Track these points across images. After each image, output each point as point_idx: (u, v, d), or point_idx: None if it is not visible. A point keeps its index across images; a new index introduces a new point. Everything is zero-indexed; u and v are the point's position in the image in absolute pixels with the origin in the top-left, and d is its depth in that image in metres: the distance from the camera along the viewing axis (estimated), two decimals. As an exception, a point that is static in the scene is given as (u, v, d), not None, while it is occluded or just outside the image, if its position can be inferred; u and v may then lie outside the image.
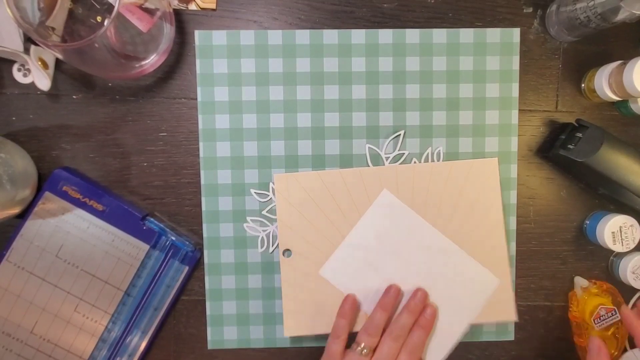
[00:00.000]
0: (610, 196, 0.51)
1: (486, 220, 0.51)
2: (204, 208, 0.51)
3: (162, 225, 0.50)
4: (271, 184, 0.51)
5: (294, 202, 0.50)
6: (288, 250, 0.50)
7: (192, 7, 0.50)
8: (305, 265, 0.50)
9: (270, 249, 0.51)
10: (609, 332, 0.52)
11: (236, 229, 0.51)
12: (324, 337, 0.49)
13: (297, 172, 0.51)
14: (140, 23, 0.43)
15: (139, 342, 0.50)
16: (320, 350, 0.47)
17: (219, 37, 0.50)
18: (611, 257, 0.54)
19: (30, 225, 0.48)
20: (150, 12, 0.44)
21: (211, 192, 0.51)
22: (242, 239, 0.51)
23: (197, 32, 0.50)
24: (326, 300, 0.50)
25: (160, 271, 0.50)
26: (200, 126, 0.50)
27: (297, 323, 0.50)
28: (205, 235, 0.51)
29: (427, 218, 0.50)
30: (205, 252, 0.51)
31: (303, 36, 0.50)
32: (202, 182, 0.51)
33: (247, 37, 0.50)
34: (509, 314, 0.51)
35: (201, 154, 0.51)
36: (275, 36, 0.50)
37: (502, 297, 0.50)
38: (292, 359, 0.53)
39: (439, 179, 0.50)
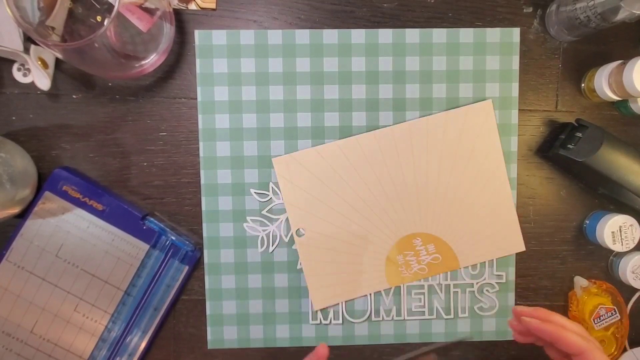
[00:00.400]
0: (610, 196, 0.51)
1: (487, 163, 0.51)
2: (204, 208, 0.51)
3: (162, 225, 0.50)
4: (271, 184, 0.51)
5: (297, 182, 0.50)
6: (299, 229, 0.51)
7: (192, 6, 0.50)
8: (319, 239, 0.51)
9: (270, 249, 0.51)
10: (609, 332, 0.52)
11: (236, 228, 0.51)
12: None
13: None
14: (140, 23, 0.43)
15: (139, 342, 0.50)
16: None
17: (219, 36, 0.50)
18: (611, 257, 0.54)
19: (30, 225, 0.48)
20: (150, 11, 0.44)
21: (211, 191, 0.51)
22: (242, 239, 0.51)
23: (197, 32, 0.50)
24: (343, 268, 0.51)
25: (160, 271, 0.50)
26: (200, 126, 0.50)
27: (323, 296, 0.52)
28: (205, 235, 0.51)
29: (430, 175, 0.51)
30: (205, 252, 0.51)
31: (303, 36, 0.50)
32: (202, 181, 0.51)
33: (247, 36, 0.50)
34: (517, 245, 0.53)
35: (201, 154, 0.51)
36: (275, 36, 0.50)
37: (509, 232, 0.52)
38: (292, 358, 0.53)
39: (437, 131, 0.51)
